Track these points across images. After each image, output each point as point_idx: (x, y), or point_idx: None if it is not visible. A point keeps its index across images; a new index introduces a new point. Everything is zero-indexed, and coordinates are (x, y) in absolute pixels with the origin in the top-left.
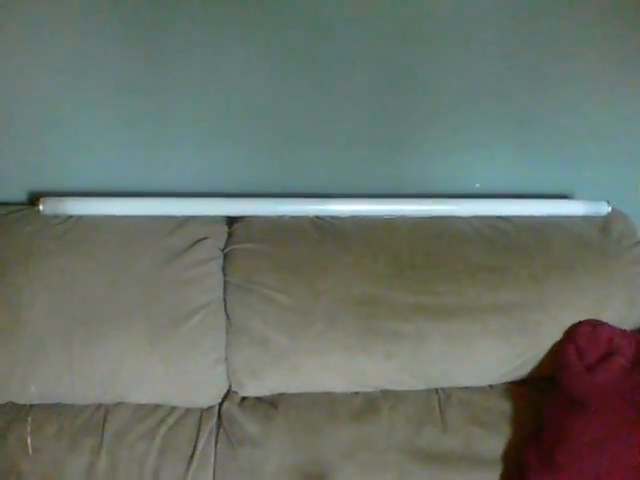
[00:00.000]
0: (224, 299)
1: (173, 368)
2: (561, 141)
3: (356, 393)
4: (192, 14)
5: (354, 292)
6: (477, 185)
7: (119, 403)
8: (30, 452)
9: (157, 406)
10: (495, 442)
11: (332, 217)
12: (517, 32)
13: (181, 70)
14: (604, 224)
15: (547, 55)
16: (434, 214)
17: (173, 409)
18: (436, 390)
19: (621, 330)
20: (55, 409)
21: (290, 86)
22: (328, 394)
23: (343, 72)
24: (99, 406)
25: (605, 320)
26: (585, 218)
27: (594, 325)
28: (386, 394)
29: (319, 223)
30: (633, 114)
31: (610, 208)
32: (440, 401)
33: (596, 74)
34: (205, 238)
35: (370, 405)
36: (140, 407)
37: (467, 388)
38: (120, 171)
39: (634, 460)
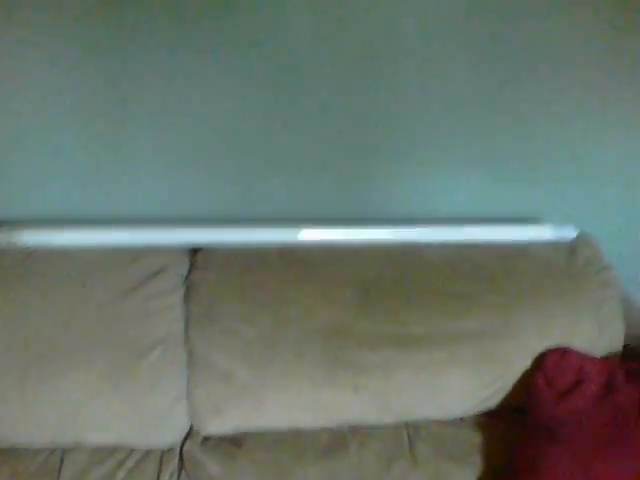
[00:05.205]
0: (185, 332)
1: (132, 407)
2: (529, 165)
3: (323, 429)
4: (156, 42)
5: (320, 322)
6: None
7: (76, 446)
8: None
9: (115, 448)
10: (466, 476)
11: (297, 245)
12: (483, 58)
13: (142, 98)
14: (571, 249)
15: (513, 80)
16: (399, 240)
17: (132, 451)
18: (405, 424)
19: (591, 357)
20: (8, 453)
21: (254, 113)
22: (294, 431)
23: (307, 99)
24: (54, 449)
25: (575, 347)
26: (552, 243)
27: (563, 352)
28: (354, 429)
29: (284, 251)
30: (600, 137)
31: (577, 232)
32: (410, 435)
33: (562, 98)
34: (166, 268)
35: (338, 441)
36: (98, 450)
37: (437, 421)
38: (79, 198)
39: None
